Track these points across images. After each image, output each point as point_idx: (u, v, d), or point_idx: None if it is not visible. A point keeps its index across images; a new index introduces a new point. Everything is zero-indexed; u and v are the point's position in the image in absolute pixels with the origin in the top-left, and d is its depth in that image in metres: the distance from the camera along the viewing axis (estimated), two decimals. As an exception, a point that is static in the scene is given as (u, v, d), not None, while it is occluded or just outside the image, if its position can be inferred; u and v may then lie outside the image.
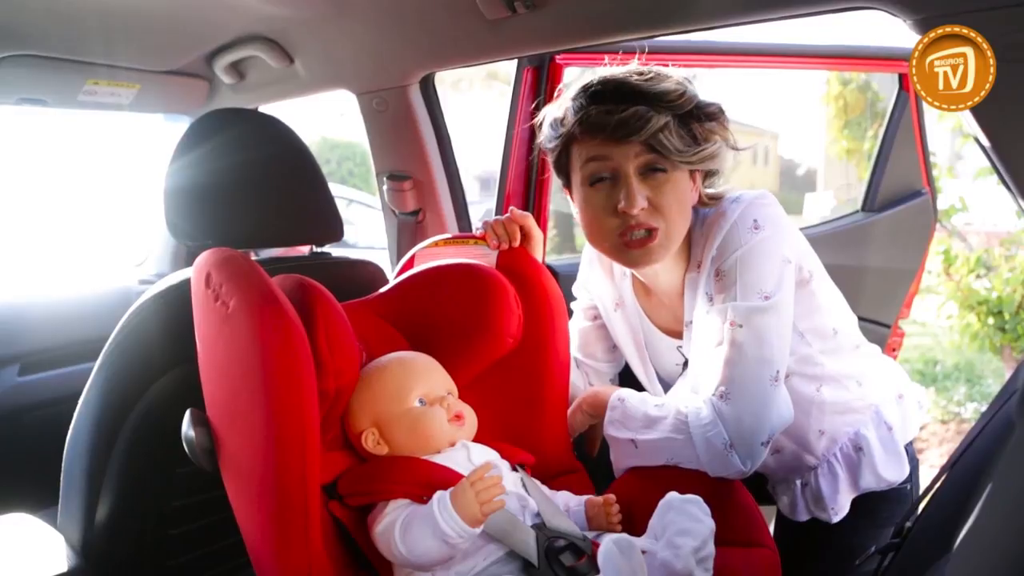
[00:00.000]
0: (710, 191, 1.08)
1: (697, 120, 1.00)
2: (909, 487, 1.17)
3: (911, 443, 1.20)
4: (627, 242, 1.02)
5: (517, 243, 1.15)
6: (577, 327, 1.29)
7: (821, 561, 1.19)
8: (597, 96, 1.01)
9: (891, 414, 1.15)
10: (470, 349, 1.06)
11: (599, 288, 1.25)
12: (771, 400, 0.98)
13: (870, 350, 1.20)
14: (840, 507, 1.13)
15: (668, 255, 1.05)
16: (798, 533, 1.18)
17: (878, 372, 1.17)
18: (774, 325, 0.99)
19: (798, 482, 1.17)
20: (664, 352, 1.20)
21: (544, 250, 1.23)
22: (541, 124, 1.10)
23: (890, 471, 1.13)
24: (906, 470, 1.15)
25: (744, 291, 0.99)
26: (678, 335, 1.15)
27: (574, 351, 1.27)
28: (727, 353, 0.99)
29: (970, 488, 0.69)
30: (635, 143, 0.98)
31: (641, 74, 1.01)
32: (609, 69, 1.04)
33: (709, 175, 1.08)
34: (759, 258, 1.00)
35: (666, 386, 1.21)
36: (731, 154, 1.07)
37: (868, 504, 1.15)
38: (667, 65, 1.04)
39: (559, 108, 1.06)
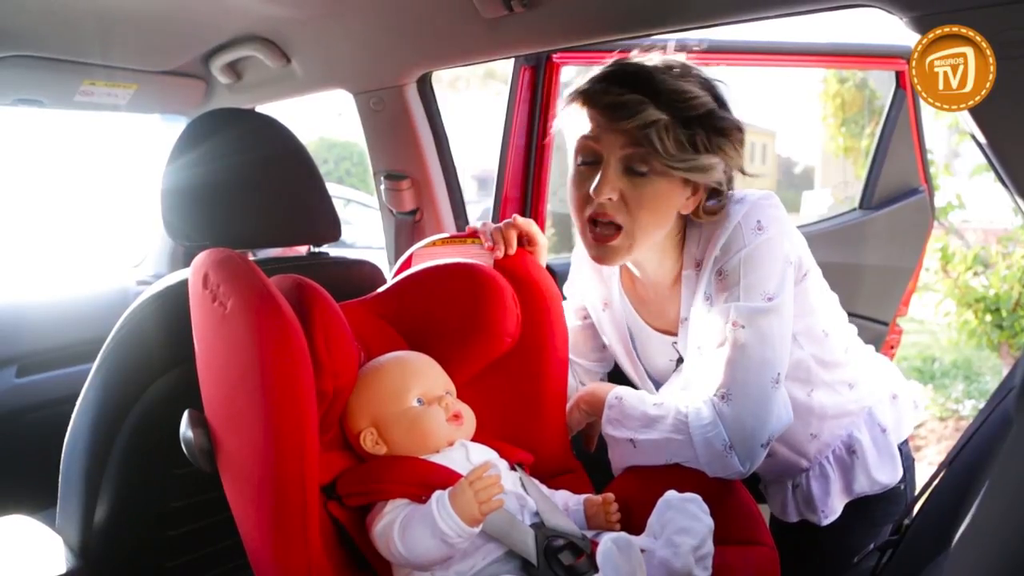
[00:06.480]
0: (711, 204, 1.04)
1: (704, 128, 0.96)
2: (903, 487, 1.17)
3: (905, 442, 1.20)
4: (594, 235, 1.02)
5: (512, 250, 1.13)
6: (568, 326, 1.29)
7: (815, 561, 1.19)
8: (611, 75, 1.00)
9: (885, 415, 1.15)
10: (468, 348, 1.06)
11: (587, 288, 1.25)
12: (772, 402, 0.98)
13: (862, 351, 1.19)
14: (830, 510, 1.13)
15: (631, 256, 1.04)
16: (791, 533, 1.17)
17: (871, 373, 1.17)
18: (776, 327, 0.98)
19: (789, 483, 1.17)
20: (656, 349, 1.19)
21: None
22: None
23: (883, 474, 1.13)
24: (899, 472, 1.14)
25: (747, 292, 0.99)
26: (669, 332, 1.15)
27: None
28: (729, 354, 0.98)
29: (968, 484, 0.69)
30: (624, 134, 0.96)
31: (668, 67, 0.99)
32: (647, 56, 1.02)
33: (715, 193, 1.04)
34: (763, 259, 0.99)
35: (657, 384, 1.21)
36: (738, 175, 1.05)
37: (861, 504, 1.15)
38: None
39: (584, 75, 1.05)
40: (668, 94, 0.95)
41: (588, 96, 1.00)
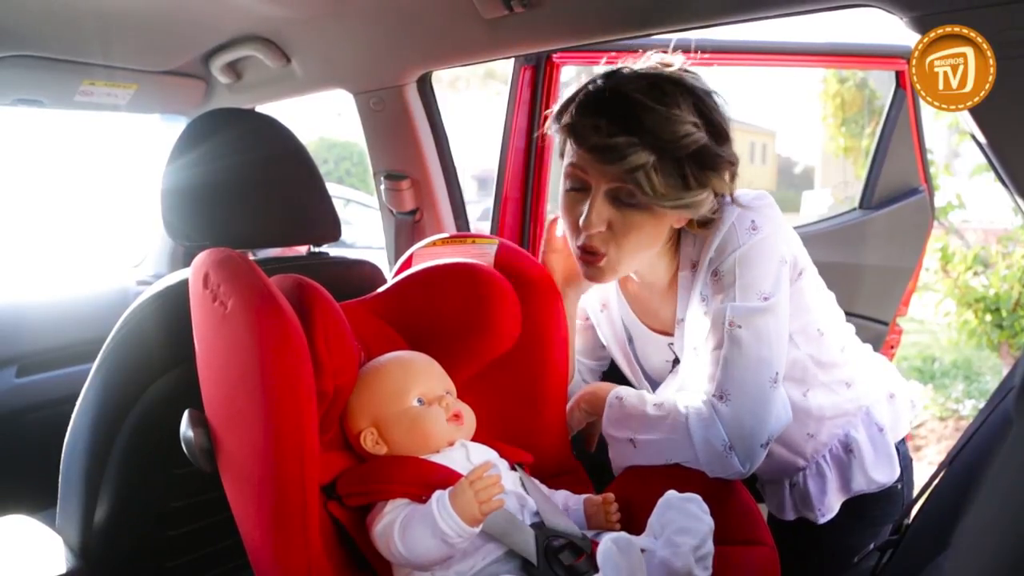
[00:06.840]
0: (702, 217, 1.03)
1: (695, 164, 0.94)
2: (900, 486, 1.17)
3: (903, 441, 1.20)
4: (581, 256, 1.03)
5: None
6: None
7: (814, 561, 1.19)
8: (595, 104, 0.97)
9: (882, 414, 1.15)
10: (468, 348, 1.06)
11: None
12: (771, 402, 0.98)
13: (859, 351, 1.19)
14: (827, 508, 1.13)
15: (618, 276, 1.06)
16: (790, 533, 1.17)
17: (868, 373, 1.17)
18: (773, 326, 0.98)
19: (786, 482, 1.17)
20: (653, 350, 1.19)
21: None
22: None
23: (880, 473, 1.13)
24: (897, 471, 1.14)
25: (743, 292, 0.98)
26: (665, 332, 1.15)
27: None
28: (727, 354, 0.98)
29: (968, 484, 0.69)
30: (610, 172, 0.95)
31: (660, 91, 0.94)
32: (636, 64, 0.99)
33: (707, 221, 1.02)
34: (757, 259, 0.99)
35: (654, 384, 1.21)
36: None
37: (858, 504, 1.15)
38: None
39: (569, 93, 1.02)
40: (657, 133, 0.92)
41: (574, 132, 0.98)
